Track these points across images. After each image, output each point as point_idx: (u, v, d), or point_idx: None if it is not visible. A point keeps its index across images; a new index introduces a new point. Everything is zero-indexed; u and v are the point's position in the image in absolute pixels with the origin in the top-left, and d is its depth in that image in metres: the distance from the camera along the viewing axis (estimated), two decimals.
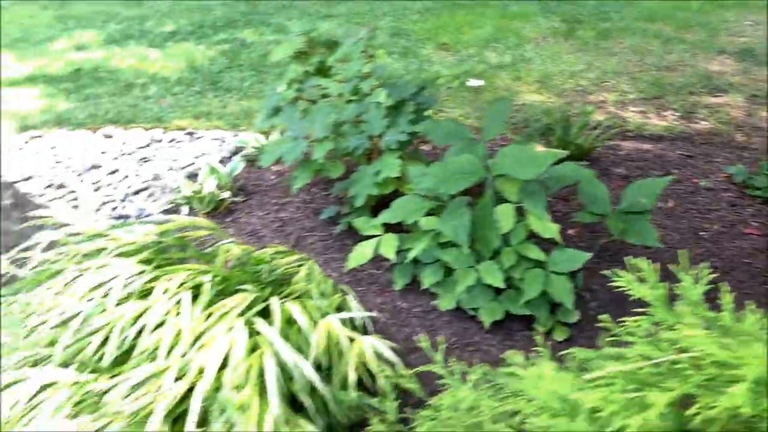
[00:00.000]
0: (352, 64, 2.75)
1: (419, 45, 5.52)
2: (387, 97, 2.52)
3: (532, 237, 2.26)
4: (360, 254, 2.41)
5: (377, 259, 2.55)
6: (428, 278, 2.31)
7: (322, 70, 2.95)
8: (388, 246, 2.35)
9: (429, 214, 2.35)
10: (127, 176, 3.31)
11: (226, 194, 3.03)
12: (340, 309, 2.02)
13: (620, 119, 3.87)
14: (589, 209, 2.35)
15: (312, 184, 3.18)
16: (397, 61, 5.10)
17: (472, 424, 1.07)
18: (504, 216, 2.19)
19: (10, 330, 1.84)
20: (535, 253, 2.20)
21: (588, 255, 2.18)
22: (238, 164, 3.18)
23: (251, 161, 3.42)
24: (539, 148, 2.09)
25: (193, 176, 3.26)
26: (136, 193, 3.15)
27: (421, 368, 1.46)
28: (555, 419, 0.95)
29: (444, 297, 2.29)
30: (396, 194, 2.50)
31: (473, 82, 4.60)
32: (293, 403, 1.63)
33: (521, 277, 2.20)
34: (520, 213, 2.26)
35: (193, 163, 3.45)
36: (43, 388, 1.61)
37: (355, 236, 2.65)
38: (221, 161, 3.44)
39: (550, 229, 2.19)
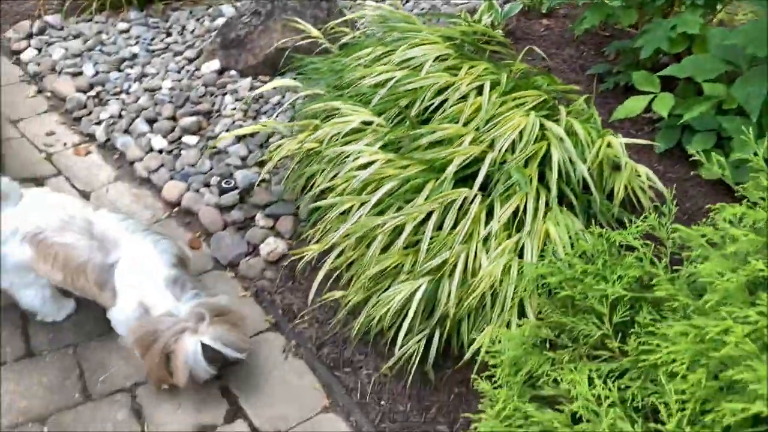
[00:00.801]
0: None
1: None
2: None
3: None
4: (630, 107, 2.40)
5: (639, 122, 2.54)
6: (696, 144, 2.26)
7: None
8: (664, 103, 2.31)
9: (716, 81, 2.25)
10: (407, 2, 3.52)
11: (498, 32, 3.11)
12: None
13: None
14: None
15: (580, 42, 3.16)
16: None
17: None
18: None
19: (325, 84, 2.16)
20: None
21: None
22: (514, 7, 3.23)
23: (523, 12, 3.45)
24: None
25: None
26: None
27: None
28: None
29: (708, 167, 2.24)
30: (680, 58, 2.41)
31: None
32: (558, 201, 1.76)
33: None
34: None
35: (467, 2, 3.56)
36: (354, 131, 1.90)
37: (619, 96, 2.63)
38: None
39: None
